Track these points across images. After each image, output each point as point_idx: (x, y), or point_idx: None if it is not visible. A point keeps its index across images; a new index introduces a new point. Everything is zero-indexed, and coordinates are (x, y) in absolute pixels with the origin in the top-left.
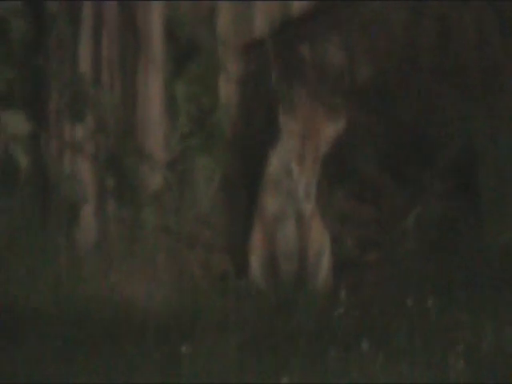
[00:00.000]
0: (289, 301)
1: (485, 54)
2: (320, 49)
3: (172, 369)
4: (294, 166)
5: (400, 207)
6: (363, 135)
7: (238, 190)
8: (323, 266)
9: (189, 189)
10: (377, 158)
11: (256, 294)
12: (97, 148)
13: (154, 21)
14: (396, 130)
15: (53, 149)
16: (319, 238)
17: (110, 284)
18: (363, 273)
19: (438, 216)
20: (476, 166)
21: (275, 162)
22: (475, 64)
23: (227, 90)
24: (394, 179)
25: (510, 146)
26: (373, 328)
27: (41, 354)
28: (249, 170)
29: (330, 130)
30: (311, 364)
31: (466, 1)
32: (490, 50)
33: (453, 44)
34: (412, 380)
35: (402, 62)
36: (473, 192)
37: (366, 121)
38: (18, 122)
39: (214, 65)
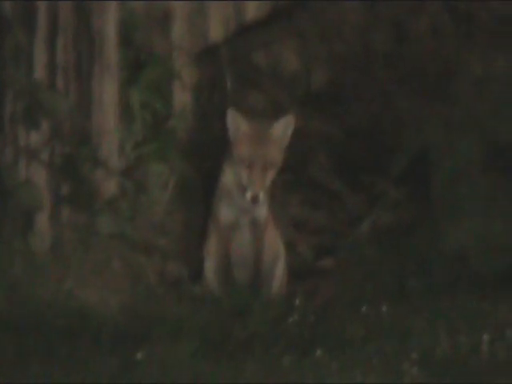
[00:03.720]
0: (244, 307)
1: (440, 58)
2: (275, 55)
3: (127, 374)
4: (243, 176)
5: (354, 214)
6: (317, 141)
7: (193, 197)
8: (278, 273)
9: (144, 196)
10: (331, 165)
11: (211, 301)
12: (52, 154)
13: (109, 27)
14: (350, 136)
15: (8, 155)
16: (274, 245)
17: (65, 290)
18: (318, 279)
19: (393, 222)
20: (430, 172)
21: (228, 172)
22: (431, 69)
23: (182, 97)
24: (349, 185)
25: (463, 153)
26: (327, 334)
27: None
28: (204, 177)
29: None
30: (266, 370)
31: (422, 5)
32: (446, 55)
33: (409, 49)
34: None
35: (357, 67)
36: (427, 198)
37: (320, 127)
38: None
39: (168, 71)
